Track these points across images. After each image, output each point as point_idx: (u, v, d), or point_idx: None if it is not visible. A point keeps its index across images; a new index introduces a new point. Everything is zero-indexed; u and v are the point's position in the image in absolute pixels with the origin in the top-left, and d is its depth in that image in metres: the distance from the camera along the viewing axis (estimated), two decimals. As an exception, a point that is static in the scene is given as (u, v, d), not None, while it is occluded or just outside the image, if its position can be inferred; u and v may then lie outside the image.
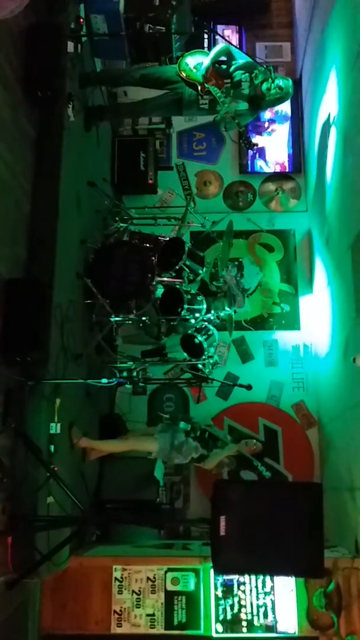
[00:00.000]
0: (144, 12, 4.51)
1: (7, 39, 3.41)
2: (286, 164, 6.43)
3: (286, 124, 6.47)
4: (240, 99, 4.36)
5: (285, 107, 6.34)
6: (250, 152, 6.36)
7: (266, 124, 6.45)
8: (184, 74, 4.37)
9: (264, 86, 4.31)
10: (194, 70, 4.35)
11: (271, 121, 6.44)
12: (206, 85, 4.29)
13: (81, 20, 4.37)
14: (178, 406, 5.65)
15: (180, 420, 4.49)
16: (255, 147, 4.69)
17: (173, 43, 4.70)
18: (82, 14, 4.43)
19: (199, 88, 4.34)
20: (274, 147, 6.46)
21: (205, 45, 6.39)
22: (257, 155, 6.43)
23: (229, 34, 6.71)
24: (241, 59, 4.41)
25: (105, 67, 5.19)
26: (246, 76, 4.35)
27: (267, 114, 6.41)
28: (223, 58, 4.39)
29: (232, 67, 4.37)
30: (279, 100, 4.45)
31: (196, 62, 4.38)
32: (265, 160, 6.43)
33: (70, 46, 4.11)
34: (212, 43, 6.37)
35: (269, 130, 6.47)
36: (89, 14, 4.52)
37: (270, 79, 4.27)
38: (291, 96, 4.55)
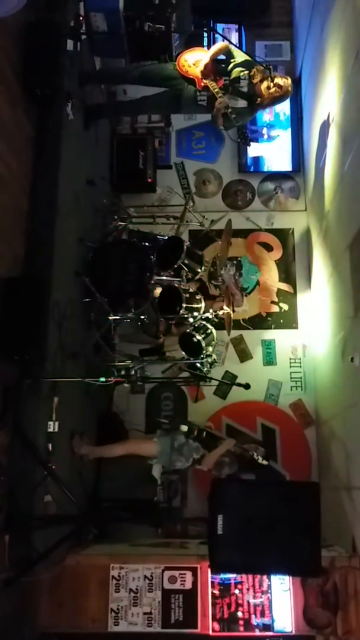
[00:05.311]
0: (143, 10, 4.50)
1: (6, 36, 3.41)
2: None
3: (287, 131, 6.40)
4: (238, 97, 4.36)
5: (285, 108, 6.34)
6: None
7: (264, 130, 6.43)
8: (183, 69, 4.39)
9: (264, 85, 4.32)
10: (193, 65, 4.36)
11: (269, 126, 6.43)
12: (204, 80, 4.31)
13: (80, 18, 4.36)
14: (176, 405, 5.65)
15: (179, 423, 4.49)
16: (252, 142, 4.69)
17: (173, 42, 4.70)
18: (81, 11, 4.42)
19: (197, 83, 4.36)
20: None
21: (205, 43, 6.38)
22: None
23: (229, 33, 6.71)
24: (240, 57, 4.42)
25: (105, 66, 5.19)
26: (245, 74, 4.36)
27: (265, 117, 6.40)
28: (222, 57, 4.40)
29: (231, 65, 4.38)
30: (278, 99, 4.46)
31: (195, 59, 4.40)
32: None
33: (69, 44, 4.11)
34: (212, 42, 6.36)
35: (268, 137, 6.44)
36: (88, 12, 4.50)
37: (269, 78, 4.28)
38: (290, 95, 4.55)
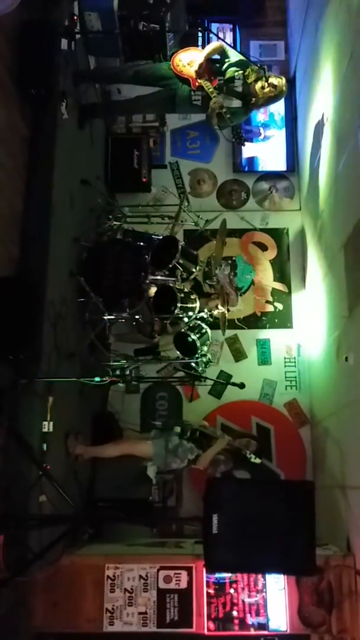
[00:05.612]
0: (138, 9, 4.50)
1: (1, 36, 3.40)
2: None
3: (282, 130, 6.41)
4: (233, 96, 4.37)
5: (280, 108, 6.35)
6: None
7: (260, 130, 6.44)
8: (178, 68, 4.40)
9: (258, 85, 4.32)
10: (188, 65, 4.37)
11: (264, 126, 6.44)
12: (199, 80, 4.32)
13: (75, 17, 4.36)
14: (171, 404, 5.65)
15: (172, 425, 4.49)
16: (246, 141, 4.70)
17: (167, 41, 4.70)
18: (76, 11, 4.42)
19: (192, 83, 4.36)
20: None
21: (200, 43, 6.39)
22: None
23: (224, 32, 6.72)
24: (234, 57, 4.43)
25: (99, 65, 5.19)
26: (239, 74, 4.36)
27: (259, 117, 6.41)
28: (217, 56, 4.41)
29: (225, 65, 4.39)
30: (273, 99, 4.47)
31: (189, 58, 4.40)
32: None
33: (64, 44, 4.10)
34: (207, 41, 6.37)
35: (263, 136, 6.45)
36: (83, 12, 4.51)
37: (263, 78, 4.29)
38: (285, 95, 4.56)
